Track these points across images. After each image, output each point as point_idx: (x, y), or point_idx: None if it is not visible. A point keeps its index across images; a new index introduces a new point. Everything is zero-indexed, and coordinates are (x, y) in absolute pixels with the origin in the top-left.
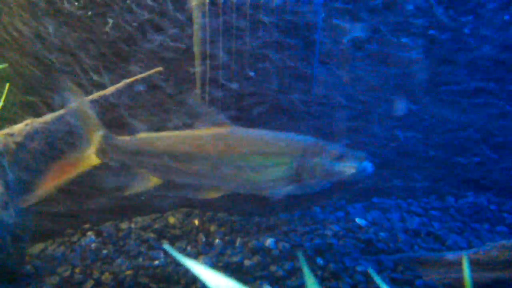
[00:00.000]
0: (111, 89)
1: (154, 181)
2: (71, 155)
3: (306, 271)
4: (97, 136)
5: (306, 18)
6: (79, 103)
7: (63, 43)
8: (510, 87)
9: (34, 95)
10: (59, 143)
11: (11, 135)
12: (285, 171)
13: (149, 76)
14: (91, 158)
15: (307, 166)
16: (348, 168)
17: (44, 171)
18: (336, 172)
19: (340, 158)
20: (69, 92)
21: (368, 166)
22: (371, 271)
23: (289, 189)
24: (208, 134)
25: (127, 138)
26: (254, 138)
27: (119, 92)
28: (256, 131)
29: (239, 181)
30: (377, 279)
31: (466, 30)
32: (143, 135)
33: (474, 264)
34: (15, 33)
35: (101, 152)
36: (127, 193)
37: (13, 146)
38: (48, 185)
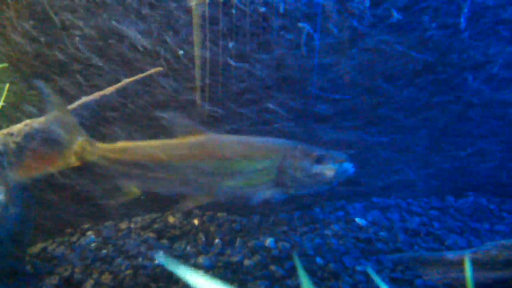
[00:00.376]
0: (110, 89)
1: (133, 191)
2: (52, 150)
3: (302, 273)
4: (78, 140)
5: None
6: (59, 108)
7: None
8: None
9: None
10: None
11: (11, 134)
12: (265, 175)
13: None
14: (70, 159)
15: (288, 170)
16: (329, 170)
17: (23, 158)
18: (316, 174)
19: (319, 160)
20: (48, 98)
21: (349, 167)
22: (370, 271)
23: (270, 193)
24: (186, 142)
25: (107, 145)
26: (233, 144)
27: (118, 92)
28: (233, 137)
29: (220, 188)
30: (377, 279)
31: None
32: (122, 143)
33: (473, 263)
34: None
35: (80, 154)
36: (110, 204)
37: (13, 146)
38: (24, 173)
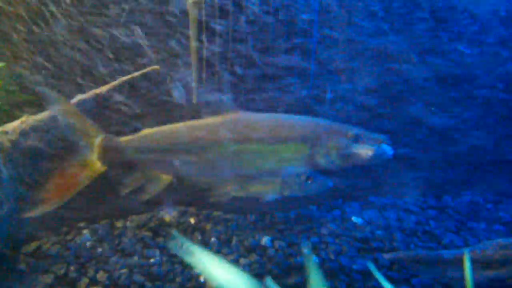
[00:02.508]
0: (106, 87)
1: (164, 179)
2: (73, 165)
3: (310, 266)
4: (97, 140)
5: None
6: (70, 111)
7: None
8: None
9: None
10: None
11: (6, 133)
12: (300, 154)
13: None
14: (95, 164)
15: (322, 150)
16: (366, 150)
17: (45, 183)
18: (352, 154)
19: (356, 140)
20: (54, 102)
21: (387, 149)
22: (372, 269)
23: (301, 170)
24: (218, 122)
25: (129, 137)
26: (266, 123)
27: (115, 90)
28: (266, 115)
29: (254, 168)
30: (378, 275)
31: None
32: (146, 131)
33: (470, 263)
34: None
35: (104, 156)
36: (143, 197)
37: (7, 144)
38: (52, 197)
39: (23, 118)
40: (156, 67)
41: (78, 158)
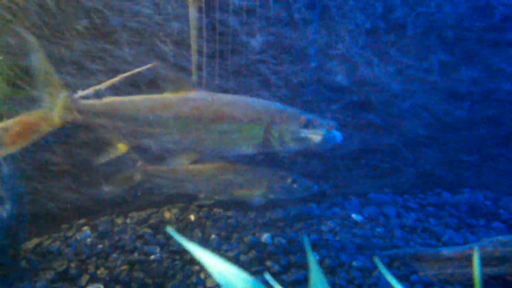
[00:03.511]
0: (106, 83)
1: (121, 147)
2: (32, 115)
3: (312, 260)
4: (61, 97)
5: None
6: (41, 61)
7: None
8: None
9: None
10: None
11: (7, 130)
12: (252, 136)
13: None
14: (54, 119)
15: (274, 132)
16: (315, 135)
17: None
18: (303, 138)
19: (308, 125)
20: (31, 47)
21: (337, 135)
22: (381, 269)
23: (255, 152)
24: (177, 97)
25: (92, 101)
26: (222, 102)
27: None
28: (223, 96)
29: (207, 144)
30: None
31: None
32: (109, 98)
33: (470, 260)
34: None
35: (64, 113)
36: (97, 162)
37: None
38: (10, 144)
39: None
40: (154, 63)
41: (38, 109)
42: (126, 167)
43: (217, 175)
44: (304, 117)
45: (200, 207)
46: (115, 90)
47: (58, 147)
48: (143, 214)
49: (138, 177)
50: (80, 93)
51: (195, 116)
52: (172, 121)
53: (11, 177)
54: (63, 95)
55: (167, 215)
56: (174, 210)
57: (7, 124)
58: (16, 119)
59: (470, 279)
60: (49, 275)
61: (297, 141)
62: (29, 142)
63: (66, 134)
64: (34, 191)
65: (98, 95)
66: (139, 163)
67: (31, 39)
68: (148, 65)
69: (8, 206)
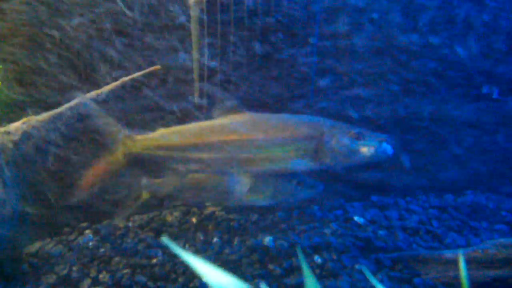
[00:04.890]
0: (108, 87)
1: (180, 175)
2: (102, 160)
3: (305, 268)
4: (121, 137)
5: None
6: (94, 108)
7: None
8: None
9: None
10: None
11: (8, 133)
12: (304, 153)
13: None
14: (118, 159)
15: (326, 147)
16: (367, 148)
17: (81, 175)
18: (355, 152)
19: (358, 138)
20: (82, 103)
21: (388, 148)
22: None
23: (309, 168)
24: (226, 122)
25: (147, 135)
26: (273, 123)
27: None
28: (271, 115)
29: (261, 165)
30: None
31: None
32: (162, 130)
33: (472, 262)
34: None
35: (127, 151)
36: (160, 193)
37: (10, 144)
38: (86, 187)
39: (25, 119)
40: (157, 67)
41: (105, 154)
42: (131, 188)
43: (224, 182)
44: (354, 131)
45: (202, 210)
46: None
47: (62, 153)
48: (145, 217)
49: (146, 195)
50: (81, 96)
51: (247, 140)
52: (225, 147)
53: (14, 181)
54: (121, 134)
55: (169, 218)
56: (176, 213)
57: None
58: (91, 167)
59: (473, 282)
60: (51, 278)
61: (349, 156)
62: (102, 184)
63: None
64: (37, 195)
65: (99, 99)
66: (144, 180)
67: (81, 95)
68: (151, 68)
69: (10, 210)
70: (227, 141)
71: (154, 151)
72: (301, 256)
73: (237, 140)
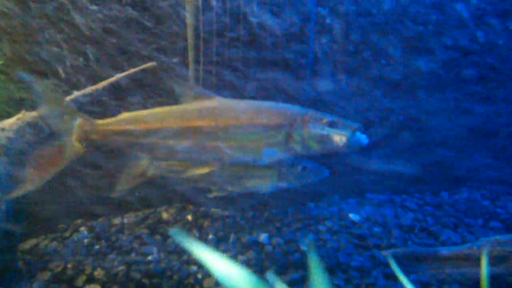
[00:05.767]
0: (103, 84)
1: (144, 162)
2: (53, 147)
3: (313, 259)
4: (76, 122)
5: None
6: (50, 93)
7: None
8: None
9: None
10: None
11: (3, 129)
12: (275, 140)
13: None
14: (74, 146)
15: (297, 136)
16: (339, 137)
17: (27, 163)
18: (326, 141)
19: (331, 126)
20: (36, 87)
21: (362, 137)
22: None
23: (280, 157)
24: (194, 107)
25: (108, 120)
26: (242, 109)
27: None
28: (242, 101)
29: (230, 153)
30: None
31: None
32: (125, 115)
33: (467, 259)
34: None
35: (83, 138)
36: (123, 182)
37: (4, 140)
38: (34, 179)
39: (20, 115)
40: (153, 63)
41: (58, 140)
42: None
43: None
44: (326, 119)
45: (198, 207)
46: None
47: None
48: (140, 214)
49: (151, 171)
50: (77, 93)
51: (215, 126)
52: (191, 132)
53: (7, 178)
54: (78, 120)
55: (164, 215)
56: (172, 210)
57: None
58: (34, 154)
59: (468, 278)
60: (46, 275)
61: (320, 144)
62: (52, 175)
63: None
64: (31, 192)
65: (94, 95)
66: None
67: (29, 77)
68: (147, 65)
69: (3, 207)
70: (194, 127)
71: (115, 137)
72: (311, 251)
73: (204, 127)
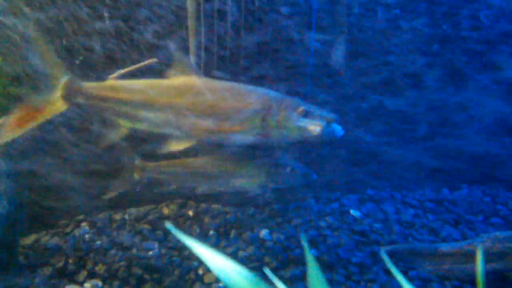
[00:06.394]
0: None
1: (121, 130)
2: (36, 100)
3: (309, 257)
4: (63, 80)
5: None
6: (42, 46)
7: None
8: None
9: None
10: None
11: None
12: (248, 124)
13: None
14: (57, 103)
15: (272, 120)
16: (314, 126)
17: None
18: (300, 129)
19: (306, 115)
20: (31, 34)
21: (337, 129)
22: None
23: (252, 141)
24: (175, 83)
25: (94, 83)
26: (219, 89)
27: None
28: (223, 82)
29: (202, 131)
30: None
31: None
32: (111, 81)
33: (468, 256)
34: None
35: (67, 96)
36: (101, 145)
37: None
38: (12, 128)
39: None
40: (154, 59)
41: (43, 94)
42: (124, 168)
43: (217, 166)
44: (303, 107)
45: (199, 202)
46: None
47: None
48: (141, 210)
49: (137, 175)
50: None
51: (191, 103)
52: (169, 108)
53: (9, 173)
54: (65, 78)
55: (165, 211)
56: (173, 206)
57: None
58: (18, 104)
59: (468, 275)
60: (47, 271)
61: (294, 132)
62: (32, 126)
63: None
64: (32, 187)
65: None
66: (137, 161)
67: (28, 25)
68: (149, 61)
69: (5, 202)
70: (173, 103)
71: (97, 101)
72: (306, 246)
73: (182, 103)
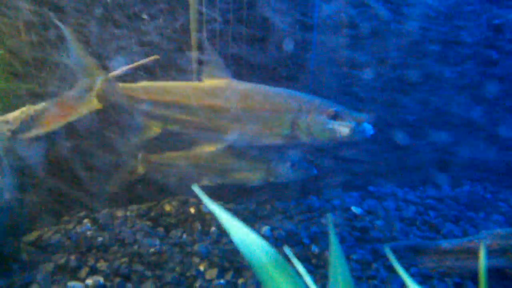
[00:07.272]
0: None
1: (154, 130)
2: (71, 97)
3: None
4: (98, 80)
5: None
6: (79, 48)
7: None
8: None
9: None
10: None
11: (7, 122)
12: (279, 126)
13: None
14: (92, 101)
15: (302, 123)
16: (344, 127)
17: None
18: (330, 130)
19: (336, 117)
20: (68, 38)
21: (367, 128)
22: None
23: (282, 143)
24: (208, 86)
25: (128, 84)
26: (250, 93)
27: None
28: (254, 85)
29: (233, 134)
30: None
31: None
32: (144, 83)
33: (468, 252)
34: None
35: (102, 96)
36: (132, 141)
37: (8, 133)
38: (48, 123)
39: (24, 108)
40: (156, 56)
41: (78, 91)
42: (127, 162)
43: (218, 159)
44: (332, 109)
45: (200, 199)
46: None
47: (61, 140)
48: (143, 207)
49: (141, 169)
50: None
51: (223, 106)
52: (201, 110)
53: (12, 169)
54: (101, 77)
55: (167, 208)
56: (174, 203)
57: (44, 105)
58: (54, 99)
59: (469, 271)
60: (49, 267)
61: (324, 134)
62: (65, 123)
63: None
64: (35, 184)
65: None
66: (140, 155)
67: (64, 27)
68: (149, 58)
69: (8, 198)
70: (204, 106)
71: (133, 102)
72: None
73: (214, 106)
